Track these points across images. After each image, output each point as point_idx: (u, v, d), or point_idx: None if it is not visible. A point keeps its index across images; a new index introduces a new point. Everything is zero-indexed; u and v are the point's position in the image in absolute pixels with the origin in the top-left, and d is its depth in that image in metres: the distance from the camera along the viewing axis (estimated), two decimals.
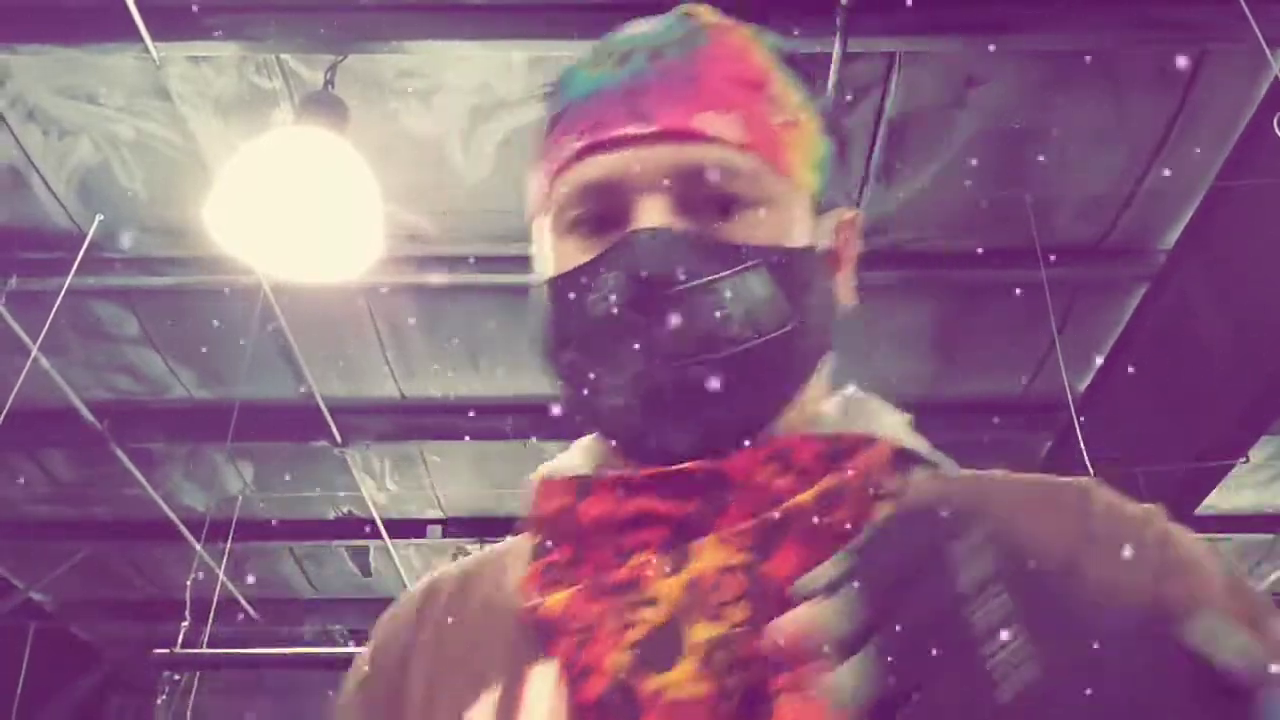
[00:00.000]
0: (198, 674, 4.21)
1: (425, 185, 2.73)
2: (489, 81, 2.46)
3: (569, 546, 0.61)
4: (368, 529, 4.14)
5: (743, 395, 0.59)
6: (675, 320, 0.57)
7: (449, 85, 2.48)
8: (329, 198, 2.18)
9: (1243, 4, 2.01)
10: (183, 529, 3.90)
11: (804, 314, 0.61)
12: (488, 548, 0.75)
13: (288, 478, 3.96)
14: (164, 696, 4.26)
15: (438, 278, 2.96)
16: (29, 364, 2.86)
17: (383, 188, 2.29)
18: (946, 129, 2.57)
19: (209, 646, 3.42)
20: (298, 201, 2.16)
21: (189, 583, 3.40)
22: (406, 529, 4.26)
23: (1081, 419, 2.89)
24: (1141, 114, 2.52)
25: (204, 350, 3.30)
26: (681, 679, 0.51)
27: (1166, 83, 2.44)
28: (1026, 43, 2.33)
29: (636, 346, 0.58)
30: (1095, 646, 0.38)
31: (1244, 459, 2.91)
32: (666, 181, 0.60)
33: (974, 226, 2.83)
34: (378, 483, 4.00)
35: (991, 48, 2.33)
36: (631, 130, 0.60)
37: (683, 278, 0.58)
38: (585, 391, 0.61)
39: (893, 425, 0.64)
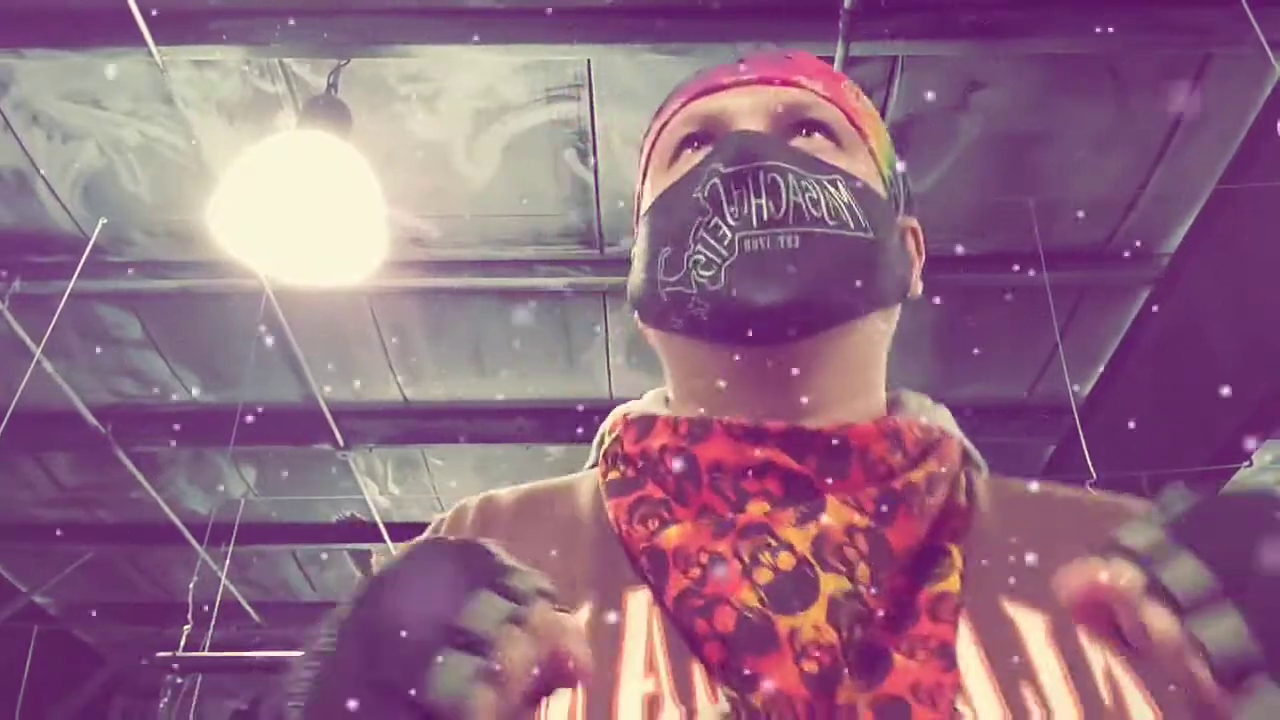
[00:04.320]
0: (200, 677, 4.20)
1: (429, 189, 2.73)
2: (493, 85, 2.47)
3: (666, 483, 0.62)
4: (370, 532, 4.14)
5: (826, 275, 0.62)
6: (769, 193, 0.63)
7: (453, 89, 2.48)
8: (332, 202, 2.18)
9: (1245, 6, 2.01)
10: (186, 532, 3.91)
11: (881, 235, 0.66)
12: (539, 481, 0.74)
13: (290, 481, 3.96)
14: (167, 700, 4.26)
15: (441, 281, 2.96)
16: (32, 367, 2.86)
17: (386, 191, 2.30)
18: (949, 133, 2.57)
19: (212, 650, 3.42)
20: (301, 205, 2.16)
21: (191, 586, 3.40)
22: (409, 532, 4.24)
23: (1084, 423, 2.88)
24: (1145, 117, 2.52)
25: (207, 354, 3.30)
26: (814, 623, 0.53)
27: (1170, 86, 2.44)
28: (1029, 46, 2.32)
29: (732, 219, 0.63)
30: None
31: (1248, 463, 2.90)
32: (762, 110, 0.69)
33: (977, 230, 2.83)
34: (380, 486, 4.00)
35: (994, 51, 2.33)
36: (733, 79, 0.71)
37: (777, 162, 0.64)
38: (677, 278, 0.64)
39: (952, 424, 0.70)
